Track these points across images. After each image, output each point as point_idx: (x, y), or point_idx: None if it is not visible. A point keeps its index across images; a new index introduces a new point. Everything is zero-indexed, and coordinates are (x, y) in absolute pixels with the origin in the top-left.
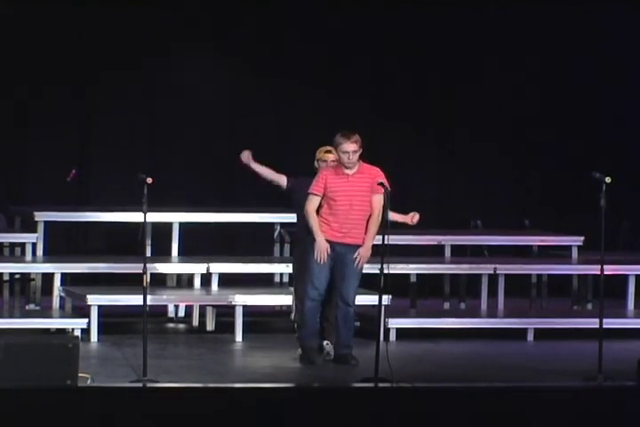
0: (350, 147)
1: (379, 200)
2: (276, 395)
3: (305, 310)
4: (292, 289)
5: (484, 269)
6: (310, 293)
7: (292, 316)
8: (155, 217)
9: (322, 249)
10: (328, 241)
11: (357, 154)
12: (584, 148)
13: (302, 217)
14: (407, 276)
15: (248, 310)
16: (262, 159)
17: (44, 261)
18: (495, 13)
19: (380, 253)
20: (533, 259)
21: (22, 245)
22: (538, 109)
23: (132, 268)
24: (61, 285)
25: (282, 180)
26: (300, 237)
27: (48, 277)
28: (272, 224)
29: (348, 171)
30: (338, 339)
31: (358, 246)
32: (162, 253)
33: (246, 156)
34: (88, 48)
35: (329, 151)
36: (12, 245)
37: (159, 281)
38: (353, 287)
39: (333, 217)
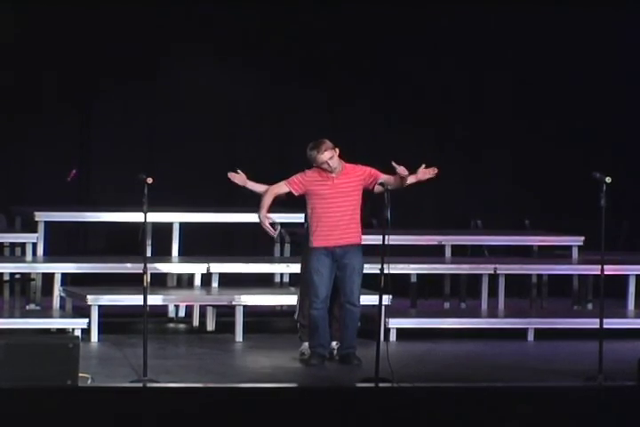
0: (325, 157)
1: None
2: (276, 395)
3: (312, 319)
4: (293, 289)
5: (484, 269)
6: (313, 303)
7: (296, 315)
8: (155, 217)
9: (263, 222)
10: (325, 248)
11: (335, 157)
12: (584, 148)
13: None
14: (407, 276)
15: (248, 310)
16: (262, 159)
17: (45, 261)
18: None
19: (380, 253)
20: (533, 259)
21: (22, 245)
22: (538, 109)
23: (133, 268)
24: (62, 285)
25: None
26: (307, 237)
27: (48, 277)
28: (272, 224)
29: (332, 174)
30: (342, 339)
31: (354, 246)
32: (162, 253)
33: (242, 179)
34: (88, 49)
35: None
36: (13, 245)
37: (159, 281)
38: (356, 286)
39: (322, 222)
